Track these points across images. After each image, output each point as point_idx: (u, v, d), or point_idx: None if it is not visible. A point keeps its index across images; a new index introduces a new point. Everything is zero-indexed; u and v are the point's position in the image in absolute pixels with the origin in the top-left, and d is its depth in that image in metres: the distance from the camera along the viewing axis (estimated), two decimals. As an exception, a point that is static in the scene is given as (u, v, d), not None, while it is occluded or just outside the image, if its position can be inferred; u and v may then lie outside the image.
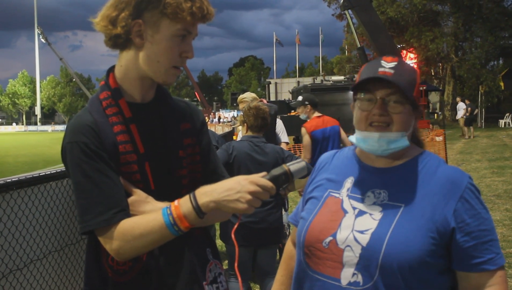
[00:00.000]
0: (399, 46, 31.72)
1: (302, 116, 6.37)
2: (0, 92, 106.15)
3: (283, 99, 25.06)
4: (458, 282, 1.49)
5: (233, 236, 1.59)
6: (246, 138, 4.05)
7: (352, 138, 1.59)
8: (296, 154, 10.67)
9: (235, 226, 1.60)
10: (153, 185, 1.60)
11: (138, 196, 1.57)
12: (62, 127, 79.22)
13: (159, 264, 1.61)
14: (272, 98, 33.29)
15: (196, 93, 53.94)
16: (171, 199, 1.51)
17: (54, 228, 2.57)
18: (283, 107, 16.88)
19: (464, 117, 23.89)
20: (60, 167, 2.17)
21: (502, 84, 32.15)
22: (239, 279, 1.66)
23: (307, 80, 33.75)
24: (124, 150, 1.55)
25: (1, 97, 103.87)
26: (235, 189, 1.42)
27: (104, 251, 1.55)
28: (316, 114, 6.22)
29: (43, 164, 19.65)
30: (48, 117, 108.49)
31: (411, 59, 34.93)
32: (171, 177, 1.64)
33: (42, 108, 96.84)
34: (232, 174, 3.92)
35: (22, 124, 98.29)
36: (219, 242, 5.41)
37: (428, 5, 35.87)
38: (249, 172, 3.96)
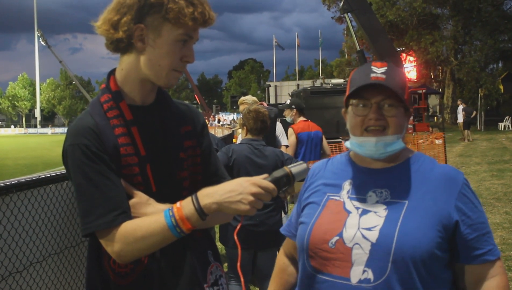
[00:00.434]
0: (398, 49, 31.75)
1: (288, 119, 6.66)
2: (0, 94, 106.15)
3: (283, 102, 25.06)
4: (459, 276, 1.54)
5: (235, 237, 1.59)
6: (245, 141, 4.05)
7: (348, 144, 1.62)
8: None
9: (238, 227, 1.60)
10: (154, 187, 1.60)
11: (139, 198, 1.57)
12: (62, 130, 79.37)
13: (161, 266, 1.61)
14: (272, 101, 33.31)
15: (195, 96, 53.89)
16: (172, 201, 1.51)
17: (53, 231, 2.57)
18: (283, 110, 16.85)
19: (462, 119, 23.91)
20: (60, 169, 2.18)
21: (501, 87, 32.12)
22: (242, 279, 1.67)
23: (306, 83, 33.79)
24: (125, 152, 1.56)
25: (1, 99, 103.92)
26: (237, 190, 1.43)
27: (105, 253, 1.55)
28: (302, 118, 6.55)
29: (43, 166, 19.64)
30: (48, 119, 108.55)
31: (410, 62, 34.94)
32: (172, 179, 1.65)
33: (42, 110, 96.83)
34: (231, 177, 3.92)
35: (22, 127, 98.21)
36: (219, 245, 5.41)
37: (427, 8, 35.92)
38: (248, 175, 3.93)
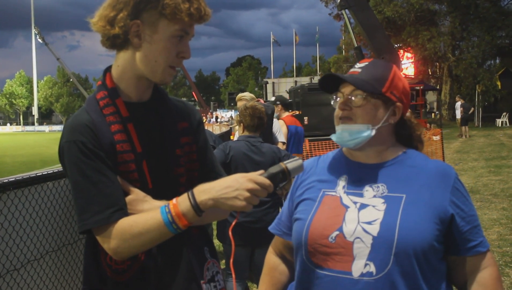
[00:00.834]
0: (396, 45, 31.75)
1: (274, 115, 6.82)
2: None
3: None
4: (453, 268, 1.59)
5: (230, 233, 1.60)
6: (242, 138, 4.05)
7: (333, 135, 1.68)
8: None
9: (233, 224, 1.60)
10: (151, 184, 1.60)
11: (136, 195, 1.57)
12: (60, 127, 79.16)
13: (157, 263, 1.61)
14: (270, 98, 33.27)
15: (193, 93, 53.93)
16: (169, 198, 1.52)
17: (51, 228, 2.57)
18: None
19: (460, 115, 23.95)
20: (58, 167, 2.17)
21: (499, 83, 32.20)
22: (233, 276, 1.67)
23: (304, 80, 33.71)
24: (122, 149, 1.56)
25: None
26: (233, 186, 1.43)
27: (102, 250, 1.56)
28: (288, 113, 6.92)
29: (41, 164, 19.63)
30: (46, 117, 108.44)
31: (408, 58, 34.97)
32: (168, 176, 1.65)
33: (39, 108, 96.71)
34: (229, 174, 3.92)
35: (19, 124, 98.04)
36: (216, 242, 5.41)
37: (425, 4, 35.89)
38: (246, 172, 3.93)
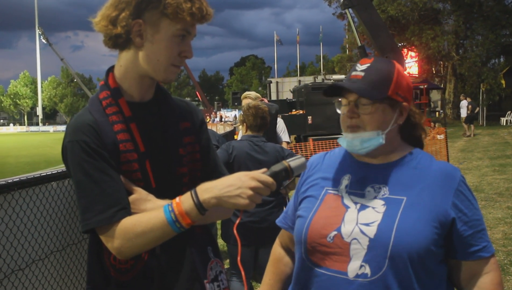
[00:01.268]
0: (400, 44, 31.71)
1: None
2: (1, 92, 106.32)
3: (284, 98, 25.06)
4: (454, 271, 1.57)
5: (235, 231, 1.60)
6: (246, 137, 4.05)
7: (339, 139, 1.66)
8: (297, 153, 10.67)
9: (237, 222, 1.61)
10: (154, 183, 1.60)
11: (139, 194, 1.57)
12: (64, 128, 79.23)
13: (161, 263, 1.61)
14: (273, 97, 33.24)
15: (197, 92, 53.97)
16: (172, 197, 1.52)
17: (55, 228, 2.58)
18: (284, 106, 16.88)
19: (465, 114, 23.91)
20: (62, 167, 2.18)
21: (503, 82, 32.10)
22: (243, 273, 1.67)
23: (308, 79, 33.70)
24: (125, 148, 1.56)
25: (3, 98, 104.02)
26: (236, 185, 1.43)
27: (106, 249, 1.56)
28: None
29: (45, 164, 19.68)
30: (50, 117, 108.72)
31: (412, 57, 34.91)
32: (171, 175, 1.65)
33: (43, 108, 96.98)
34: (232, 173, 3.92)
35: (24, 125, 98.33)
36: (220, 242, 5.42)
37: (428, 3, 35.80)
38: (249, 171, 3.96)
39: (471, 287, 1.55)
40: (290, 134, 6.68)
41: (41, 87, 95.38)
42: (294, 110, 17.11)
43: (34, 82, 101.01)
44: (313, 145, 11.36)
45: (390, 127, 1.58)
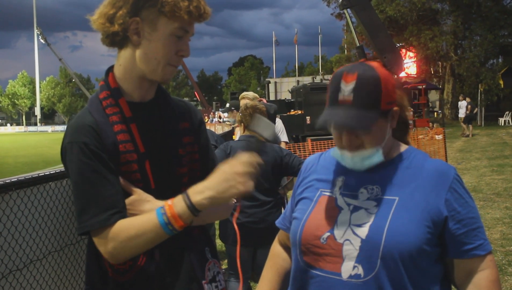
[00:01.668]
0: (398, 44, 31.70)
1: (231, 120, 7.33)
2: (0, 92, 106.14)
3: (283, 98, 25.08)
4: (450, 270, 1.56)
5: (234, 224, 1.60)
6: (244, 137, 4.05)
7: (333, 153, 1.65)
8: (295, 153, 10.68)
9: (235, 215, 1.61)
10: (153, 184, 1.60)
11: (138, 195, 1.57)
12: (62, 128, 79.32)
13: (159, 264, 1.61)
14: (272, 98, 33.28)
15: (195, 93, 53.92)
16: (171, 198, 1.52)
17: (53, 229, 2.57)
18: (283, 106, 16.89)
19: (463, 114, 23.97)
20: (60, 167, 2.18)
21: (501, 82, 32.10)
22: (240, 275, 1.68)
23: (306, 79, 33.75)
24: (124, 149, 1.56)
25: (1, 98, 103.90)
26: (224, 179, 1.45)
27: None
28: None
29: (43, 164, 19.65)
30: (48, 117, 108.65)
31: (410, 57, 34.91)
32: (171, 176, 1.65)
33: (42, 108, 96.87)
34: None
35: (22, 125, 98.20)
36: (218, 242, 5.42)
37: (427, 3, 35.81)
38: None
39: (467, 285, 1.53)
40: (288, 134, 6.68)
41: (40, 87, 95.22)
42: (292, 110, 17.12)
43: (32, 82, 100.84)
44: (312, 145, 11.36)
45: (386, 136, 1.58)
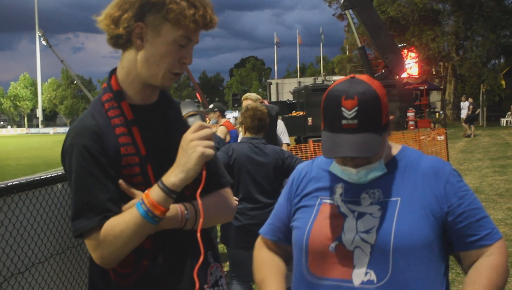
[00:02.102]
0: (400, 45, 31.71)
1: (212, 121, 7.59)
2: (1, 94, 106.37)
3: (284, 99, 25.07)
4: (459, 261, 1.57)
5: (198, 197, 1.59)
6: (245, 139, 4.04)
7: (333, 168, 1.62)
8: (297, 154, 10.67)
9: (199, 189, 1.59)
10: None
11: (139, 198, 1.57)
12: (64, 130, 79.35)
13: (161, 268, 1.61)
14: (273, 99, 33.24)
15: (197, 94, 53.89)
16: (174, 201, 1.52)
17: (55, 231, 2.57)
18: (285, 108, 16.89)
19: (465, 115, 23.95)
20: (61, 169, 2.17)
21: (503, 82, 32.12)
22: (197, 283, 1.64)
23: (308, 80, 33.69)
24: (126, 152, 1.56)
25: (3, 99, 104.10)
26: (182, 151, 1.50)
27: None
28: (225, 119, 7.55)
29: (45, 166, 19.65)
30: (50, 119, 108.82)
31: (412, 58, 34.89)
32: None
33: (43, 110, 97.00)
34: (232, 176, 3.93)
35: (24, 127, 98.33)
36: (220, 245, 5.41)
37: (428, 4, 35.82)
38: (249, 173, 3.99)
39: (470, 270, 1.53)
40: (290, 135, 6.70)
41: (41, 89, 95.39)
42: (294, 111, 17.12)
43: (34, 84, 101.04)
44: (313, 146, 11.36)
45: (386, 146, 1.58)
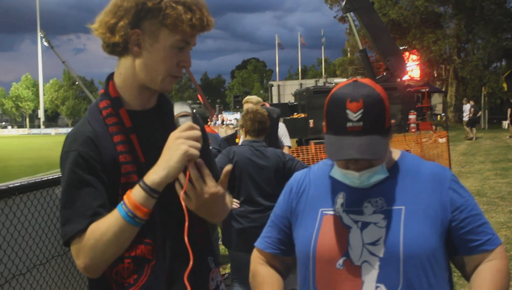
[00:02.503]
0: (401, 48, 31.71)
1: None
2: (3, 95, 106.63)
3: (286, 101, 25.08)
4: (461, 267, 1.58)
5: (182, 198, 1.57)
6: (246, 142, 4.04)
7: (333, 173, 1.61)
8: (298, 156, 10.66)
9: (184, 189, 1.58)
10: None
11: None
12: (65, 130, 79.42)
13: (163, 276, 1.57)
14: (275, 101, 33.28)
15: (198, 95, 53.88)
16: (175, 207, 1.50)
17: (56, 233, 2.58)
18: (286, 110, 16.89)
19: (467, 118, 23.95)
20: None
21: (505, 85, 32.04)
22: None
23: (309, 82, 33.72)
24: (125, 160, 1.53)
25: (5, 100, 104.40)
26: (166, 148, 1.45)
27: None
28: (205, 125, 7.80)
29: (47, 167, 19.65)
30: (51, 120, 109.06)
31: (413, 61, 34.88)
32: (174, 185, 1.62)
33: (45, 111, 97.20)
34: (233, 179, 3.93)
35: (26, 127, 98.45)
36: (221, 247, 5.40)
37: (430, 6, 35.81)
38: (250, 177, 3.98)
39: (474, 275, 1.54)
40: (292, 137, 6.66)
41: (43, 89, 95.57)
42: (295, 113, 17.11)
43: (36, 85, 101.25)
44: (315, 148, 11.35)
45: (387, 152, 1.57)
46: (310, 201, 1.66)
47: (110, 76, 1.64)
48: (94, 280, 1.59)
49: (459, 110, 32.44)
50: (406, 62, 21.77)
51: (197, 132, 1.47)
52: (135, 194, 1.44)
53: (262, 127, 4.05)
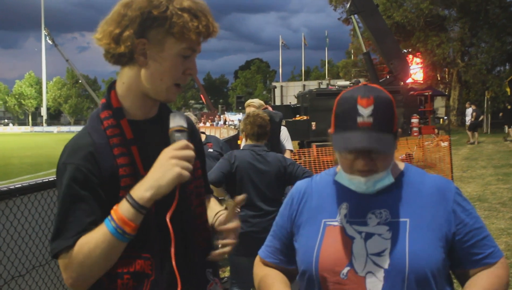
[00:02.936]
0: (405, 50, 31.66)
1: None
2: (6, 92, 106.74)
3: (288, 103, 25.08)
4: (463, 280, 1.58)
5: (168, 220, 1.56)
6: (247, 147, 4.02)
7: (338, 178, 1.61)
8: (300, 159, 10.66)
9: (172, 209, 1.56)
10: (154, 208, 1.51)
11: None
12: (68, 128, 79.64)
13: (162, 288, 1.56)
14: (278, 102, 33.33)
15: (201, 95, 53.95)
16: (178, 218, 1.49)
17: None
18: (288, 112, 16.88)
19: (469, 122, 23.89)
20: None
21: (508, 89, 31.96)
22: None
23: (312, 84, 33.77)
24: (125, 173, 1.50)
25: (8, 98, 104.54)
26: (159, 166, 1.42)
27: (105, 277, 1.48)
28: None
29: (48, 165, 19.65)
30: (54, 118, 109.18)
31: (417, 64, 34.82)
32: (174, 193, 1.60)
33: (48, 109, 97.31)
34: (234, 183, 3.92)
35: (28, 125, 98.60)
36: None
37: (434, 9, 35.73)
38: (251, 181, 3.97)
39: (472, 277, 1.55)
40: (294, 139, 6.61)
41: (46, 87, 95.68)
42: (298, 115, 17.10)
43: (39, 83, 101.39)
44: (317, 151, 11.34)
45: (393, 158, 1.57)
46: (312, 211, 1.65)
47: (112, 85, 1.62)
48: None
49: (462, 114, 32.37)
50: (410, 65, 21.76)
51: (191, 153, 1.44)
52: (123, 209, 1.41)
53: (262, 131, 4.03)
